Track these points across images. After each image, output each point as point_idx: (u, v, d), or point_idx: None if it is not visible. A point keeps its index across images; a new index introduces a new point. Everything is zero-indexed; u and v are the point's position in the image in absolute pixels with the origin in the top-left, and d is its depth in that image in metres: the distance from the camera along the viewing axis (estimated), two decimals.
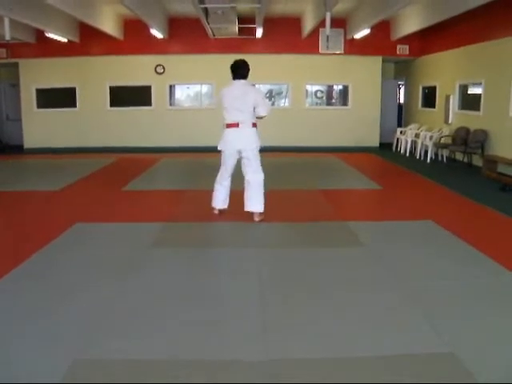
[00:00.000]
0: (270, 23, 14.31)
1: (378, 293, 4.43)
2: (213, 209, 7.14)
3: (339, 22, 14.46)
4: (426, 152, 13.44)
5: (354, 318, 3.91)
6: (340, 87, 17.08)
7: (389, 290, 4.50)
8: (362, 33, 13.76)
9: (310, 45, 15.20)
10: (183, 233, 6.46)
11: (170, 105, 16.27)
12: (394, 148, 15.60)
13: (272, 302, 4.24)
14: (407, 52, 15.58)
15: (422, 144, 13.75)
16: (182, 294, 4.40)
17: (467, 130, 12.24)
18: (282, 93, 16.89)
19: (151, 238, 6.10)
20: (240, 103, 6.58)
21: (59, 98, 15.96)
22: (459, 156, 12.54)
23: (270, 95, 16.94)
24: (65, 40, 14.31)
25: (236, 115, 6.62)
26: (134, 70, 15.66)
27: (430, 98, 15.15)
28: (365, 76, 15.89)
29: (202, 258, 5.44)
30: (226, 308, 4.12)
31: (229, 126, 6.68)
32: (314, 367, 3.22)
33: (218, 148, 6.82)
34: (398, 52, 15.56)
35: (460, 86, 13.15)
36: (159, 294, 4.43)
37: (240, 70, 6.73)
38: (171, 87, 16.30)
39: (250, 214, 6.88)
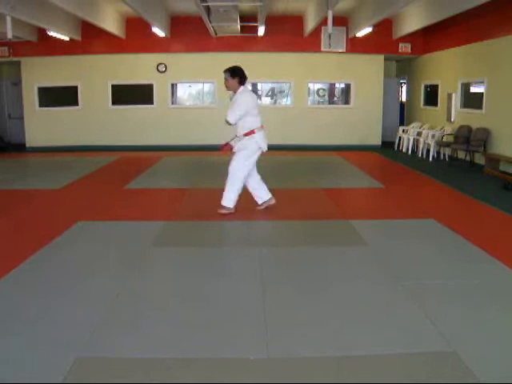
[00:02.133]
0: (272, 21, 14.27)
1: (380, 291, 4.43)
2: (263, 203, 7.29)
3: (341, 21, 14.44)
4: (428, 150, 13.42)
5: (356, 317, 3.91)
6: (342, 86, 17.03)
7: (391, 288, 4.49)
8: (364, 31, 13.73)
9: (311, 43, 15.18)
10: (185, 231, 6.46)
11: (172, 103, 16.25)
12: (396, 146, 15.59)
13: (274, 300, 4.23)
14: (409, 50, 15.53)
15: (424, 142, 13.73)
16: (184, 293, 4.40)
17: (469, 129, 12.22)
18: (284, 91, 16.87)
19: (153, 236, 6.10)
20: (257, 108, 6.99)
21: (61, 96, 15.95)
22: (461, 154, 12.52)
23: (272, 93, 16.90)
24: (67, 38, 14.32)
25: (260, 119, 6.95)
26: (135, 68, 15.64)
27: (432, 96, 15.12)
28: (367, 74, 15.86)
29: (204, 257, 5.43)
30: (228, 307, 4.10)
31: (260, 128, 6.90)
32: (315, 366, 3.21)
33: (264, 149, 7.01)
34: (400, 50, 15.51)
35: (462, 84, 13.12)
36: (160, 292, 4.44)
37: (246, 77, 6.98)
38: (173, 86, 16.28)
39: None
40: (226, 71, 6.86)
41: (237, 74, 6.80)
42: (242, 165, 6.92)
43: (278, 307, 4.09)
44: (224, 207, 7.06)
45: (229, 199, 7.03)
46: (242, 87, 6.86)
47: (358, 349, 3.42)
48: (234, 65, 6.96)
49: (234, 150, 7.00)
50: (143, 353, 3.36)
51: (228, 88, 6.90)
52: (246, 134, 6.85)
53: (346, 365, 3.23)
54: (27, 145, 15.89)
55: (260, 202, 7.29)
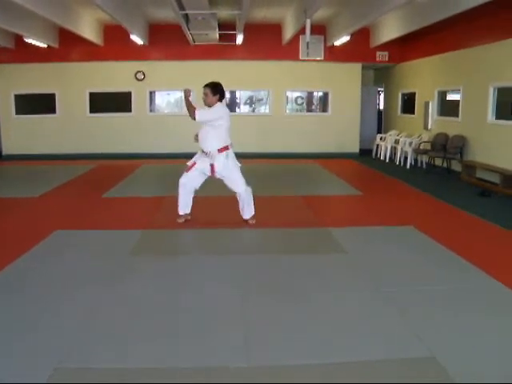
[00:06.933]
0: (251, 30, 14.33)
1: (360, 298, 4.45)
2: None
3: (319, 29, 14.56)
4: (406, 158, 13.56)
5: (336, 324, 3.92)
6: (320, 94, 17.14)
7: (371, 295, 4.51)
8: (342, 39, 13.83)
9: (290, 51, 15.25)
10: (164, 240, 6.43)
11: (150, 111, 16.21)
12: (373, 154, 15.70)
13: (253, 308, 4.23)
14: (387, 59, 15.69)
15: (402, 150, 13.86)
16: (162, 303, 4.38)
17: (446, 136, 12.36)
18: (262, 99, 16.91)
19: (131, 245, 6.05)
20: None
21: (38, 104, 15.80)
22: (438, 162, 12.64)
23: (251, 102, 16.97)
24: (44, 45, 14.20)
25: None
26: (113, 76, 15.58)
27: (409, 104, 15.29)
28: (345, 83, 15.99)
29: (182, 266, 5.40)
30: (206, 316, 4.08)
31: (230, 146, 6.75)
32: (297, 373, 3.21)
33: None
34: (377, 59, 15.65)
35: (439, 92, 13.29)
36: (139, 302, 4.40)
37: (225, 95, 6.86)
38: (151, 94, 16.25)
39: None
40: (206, 86, 6.61)
41: (218, 92, 6.61)
42: (239, 176, 6.86)
43: (257, 316, 4.08)
44: (253, 217, 7.11)
45: (252, 208, 7.08)
46: (219, 102, 6.69)
47: (338, 356, 3.43)
48: (214, 81, 6.73)
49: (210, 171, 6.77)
50: (122, 363, 3.33)
51: (205, 103, 6.64)
52: (221, 150, 6.63)
53: (328, 372, 3.23)
54: (4, 153, 15.71)
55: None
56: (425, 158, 13.22)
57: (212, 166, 6.65)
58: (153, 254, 5.82)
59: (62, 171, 12.37)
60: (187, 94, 6.59)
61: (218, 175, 6.77)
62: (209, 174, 6.79)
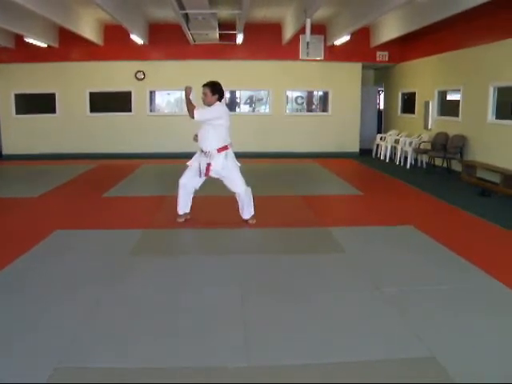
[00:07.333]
0: (251, 29, 14.32)
1: (360, 299, 4.44)
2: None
3: (319, 29, 14.55)
4: (406, 158, 13.55)
5: (336, 324, 3.92)
6: (320, 93, 17.14)
7: (371, 295, 4.51)
8: (342, 39, 13.82)
9: (290, 51, 15.23)
10: (164, 240, 6.43)
11: (150, 111, 16.21)
12: (373, 154, 15.70)
13: (252, 308, 4.23)
14: (387, 58, 15.68)
15: (402, 150, 13.86)
16: (163, 303, 4.38)
17: (446, 136, 12.36)
18: (262, 99, 16.90)
19: (132, 245, 6.05)
20: None
21: (39, 103, 15.80)
22: (438, 161, 12.64)
23: (251, 101, 16.97)
24: (44, 45, 14.20)
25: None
26: (114, 75, 15.57)
27: (409, 104, 15.28)
28: (345, 82, 15.98)
29: (183, 266, 5.39)
30: (206, 316, 4.08)
31: (229, 146, 6.73)
32: (297, 373, 3.21)
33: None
34: (377, 58, 15.64)
35: (439, 92, 13.28)
36: (139, 302, 4.40)
37: (224, 94, 6.84)
38: (151, 93, 16.25)
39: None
40: (205, 86, 6.58)
41: (217, 92, 6.58)
42: (239, 176, 6.82)
43: (257, 316, 4.08)
44: (253, 217, 7.10)
45: (252, 208, 7.07)
46: (218, 102, 6.67)
47: (338, 356, 3.43)
48: (213, 80, 6.69)
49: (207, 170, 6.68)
50: (122, 363, 3.33)
51: (204, 103, 6.61)
52: (220, 150, 6.61)
53: (327, 372, 3.23)
54: (4, 152, 15.71)
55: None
56: (425, 158, 13.21)
57: (208, 166, 6.62)
58: (153, 253, 5.82)
59: (62, 171, 12.36)
60: (188, 92, 6.58)
61: (213, 174, 6.73)
62: (201, 175, 6.73)
